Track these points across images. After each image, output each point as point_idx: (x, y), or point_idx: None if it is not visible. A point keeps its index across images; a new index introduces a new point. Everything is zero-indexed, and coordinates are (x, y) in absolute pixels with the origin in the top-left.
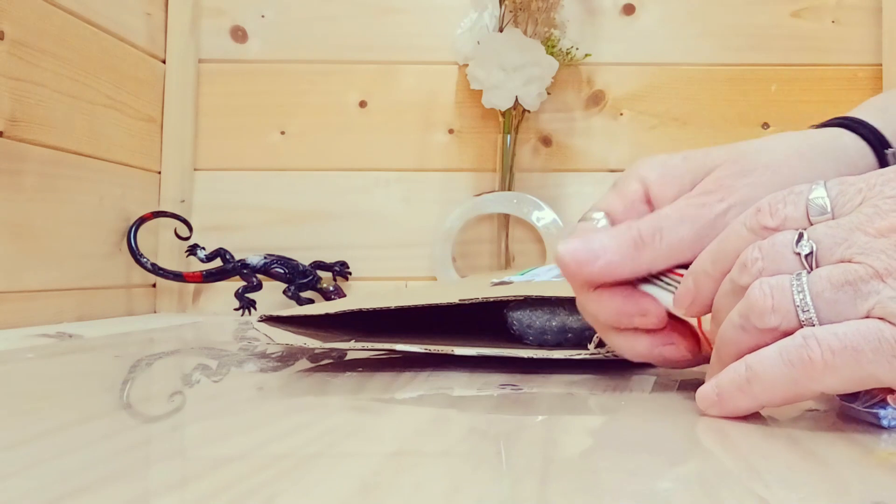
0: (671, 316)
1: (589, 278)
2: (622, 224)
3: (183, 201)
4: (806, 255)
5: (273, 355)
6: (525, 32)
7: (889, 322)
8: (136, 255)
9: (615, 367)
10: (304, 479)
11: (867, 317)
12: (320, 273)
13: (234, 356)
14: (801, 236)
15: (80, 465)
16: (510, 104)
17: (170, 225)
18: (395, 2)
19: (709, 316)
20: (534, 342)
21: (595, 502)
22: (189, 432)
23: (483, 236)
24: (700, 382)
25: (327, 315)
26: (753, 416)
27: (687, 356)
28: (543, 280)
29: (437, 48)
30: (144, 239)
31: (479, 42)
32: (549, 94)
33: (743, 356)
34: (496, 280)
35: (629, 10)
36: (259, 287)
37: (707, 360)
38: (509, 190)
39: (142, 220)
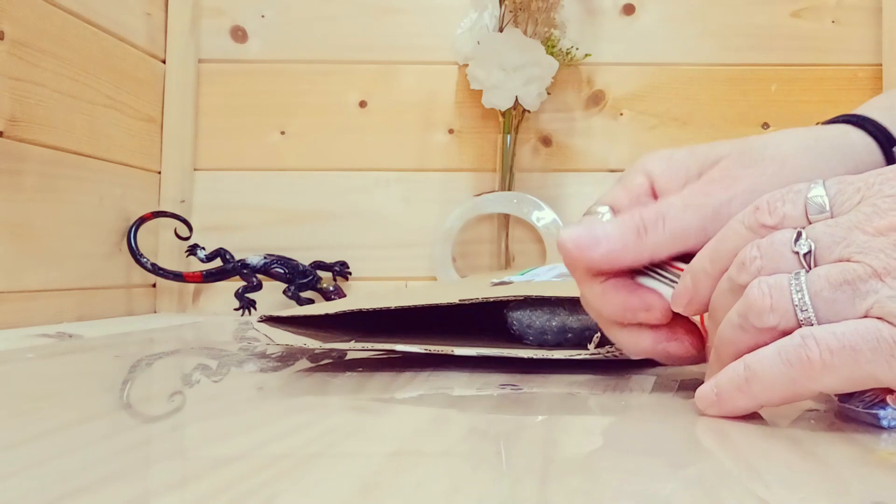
0: (675, 312)
1: (590, 264)
2: (625, 212)
3: (183, 201)
4: (804, 254)
5: (273, 355)
6: (525, 32)
7: (887, 322)
8: (136, 255)
9: (615, 367)
10: (304, 479)
11: (865, 316)
12: (320, 273)
13: (234, 356)
14: (799, 235)
15: (80, 465)
16: (510, 104)
17: (170, 225)
18: (395, 2)
19: None
20: (534, 342)
21: (595, 502)
22: (189, 432)
23: (483, 236)
24: (700, 382)
25: (327, 315)
26: (753, 416)
27: (692, 352)
28: (543, 280)
29: (437, 48)
30: (144, 239)
31: (479, 42)
32: (549, 94)
33: (742, 356)
34: (496, 280)
35: (629, 10)
36: (259, 287)
37: None
38: (509, 190)
39: (142, 220)
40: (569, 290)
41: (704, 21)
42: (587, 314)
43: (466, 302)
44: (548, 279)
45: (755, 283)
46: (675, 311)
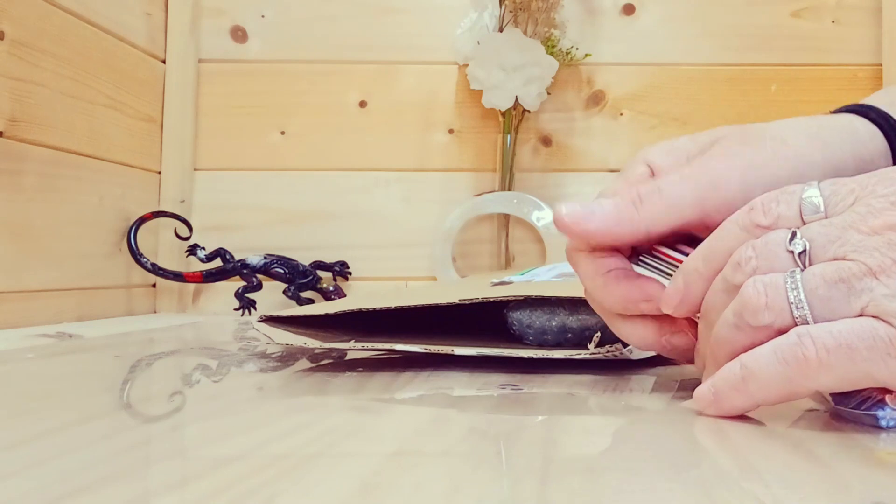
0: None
1: (584, 235)
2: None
3: (183, 201)
4: (799, 254)
5: (273, 355)
6: (525, 32)
7: (883, 320)
8: (136, 255)
9: (615, 367)
10: (304, 479)
11: (861, 314)
12: (320, 273)
13: (234, 356)
14: (794, 235)
15: (80, 465)
16: (510, 104)
17: (170, 225)
18: (395, 2)
19: None
20: (534, 342)
21: (595, 502)
22: (189, 432)
23: (483, 236)
24: (700, 382)
25: (327, 315)
26: (753, 417)
27: (695, 344)
28: (543, 280)
29: (437, 48)
30: (144, 239)
31: (479, 42)
32: (549, 94)
33: (738, 355)
34: (496, 280)
35: (629, 10)
36: (259, 287)
37: None
38: (509, 190)
39: (142, 220)
40: (569, 290)
41: (704, 21)
42: (587, 314)
43: (466, 302)
44: (548, 279)
45: (750, 282)
46: (665, 311)
